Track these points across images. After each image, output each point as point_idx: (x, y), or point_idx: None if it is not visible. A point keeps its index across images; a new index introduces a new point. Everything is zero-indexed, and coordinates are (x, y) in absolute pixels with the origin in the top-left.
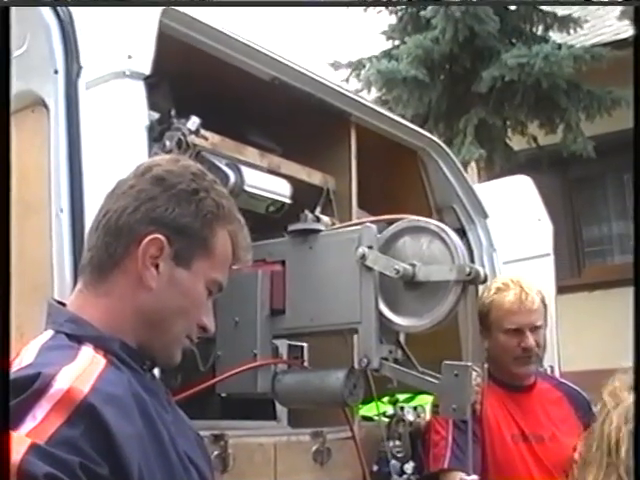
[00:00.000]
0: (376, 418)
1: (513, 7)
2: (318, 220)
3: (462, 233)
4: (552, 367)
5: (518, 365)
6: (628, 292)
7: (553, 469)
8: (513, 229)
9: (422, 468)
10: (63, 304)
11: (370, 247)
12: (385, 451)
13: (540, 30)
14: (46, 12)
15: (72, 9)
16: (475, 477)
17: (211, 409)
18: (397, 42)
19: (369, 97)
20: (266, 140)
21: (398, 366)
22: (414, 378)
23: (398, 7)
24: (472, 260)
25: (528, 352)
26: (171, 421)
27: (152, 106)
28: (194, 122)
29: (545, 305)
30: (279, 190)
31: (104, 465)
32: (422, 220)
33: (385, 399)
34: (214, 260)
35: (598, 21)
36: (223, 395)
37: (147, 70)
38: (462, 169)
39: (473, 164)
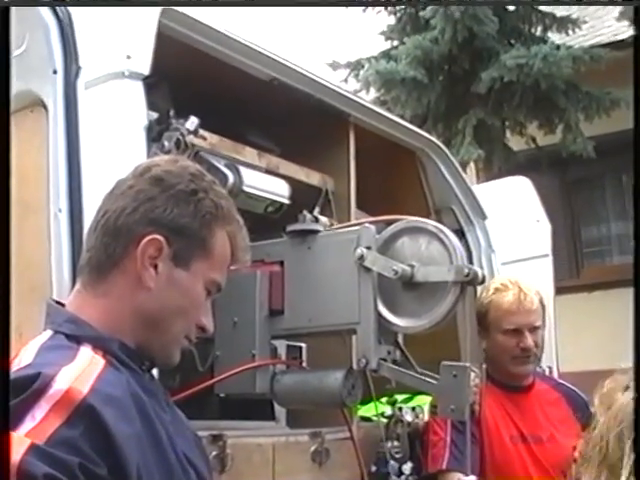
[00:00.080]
0: (374, 418)
1: (512, 8)
2: (317, 221)
3: (461, 234)
4: (550, 368)
5: (516, 365)
6: (627, 293)
7: (551, 470)
8: (512, 230)
9: (420, 469)
10: (62, 304)
11: (369, 248)
12: (383, 451)
13: (539, 31)
14: (45, 12)
15: (71, 9)
16: (473, 478)
17: (210, 409)
18: (396, 42)
19: (368, 97)
20: (265, 140)
21: (396, 367)
22: (412, 379)
23: (397, 7)
24: (470, 261)
25: (527, 352)
26: (170, 421)
27: (151, 106)
28: (193, 122)
29: (543, 305)
30: (277, 190)
31: (103, 465)
32: (420, 221)
33: (383, 399)
34: (213, 260)
35: (597, 22)
36: (222, 395)
37: (146, 70)
38: (461, 170)
39: (472, 165)
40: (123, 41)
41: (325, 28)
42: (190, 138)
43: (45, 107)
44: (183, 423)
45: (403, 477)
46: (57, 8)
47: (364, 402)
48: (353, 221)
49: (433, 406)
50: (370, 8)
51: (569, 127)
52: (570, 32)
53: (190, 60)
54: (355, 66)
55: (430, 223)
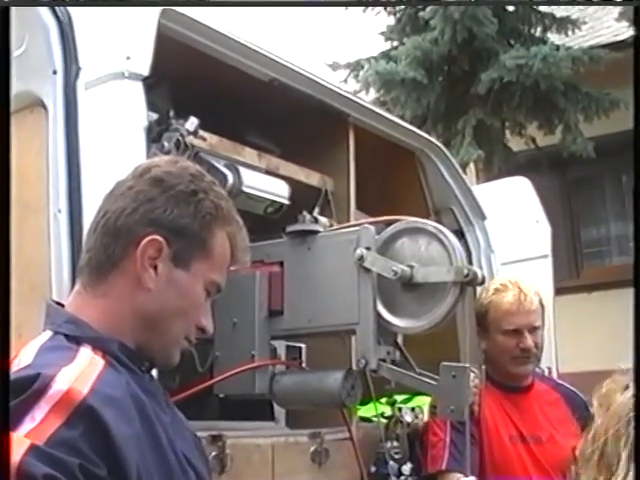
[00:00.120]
0: (374, 419)
1: (511, 8)
2: (316, 221)
3: (460, 234)
4: (550, 368)
5: (516, 365)
6: (626, 293)
7: (551, 470)
8: (511, 230)
9: (420, 469)
10: (61, 305)
11: (368, 248)
12: (383, 452)
13: (538, 31)
14: (45, 12)
15: (71, 10)
16: (473, 478)
17: (209, 410)
18: (395, 43)
19: (367, 98)
20: (264, 141)
21: (396, 367)
22: (412, 379)
23: (397, 8)
24: (470, 261)
25: (526, 352)
26: (169, 422)
27: (150, 107)
28: (192, 123)
29: (543, 306)
30: (277, 191)
31: (103, 466)
32: (420, 221)
33: (383, 400)
34: (212, 261)
35: (596, 23)
36: (221, 396)
37: (146, 71)
38: (460, 170)
39: (472, 165)
40: (123, 42)
41: (325, 29)
42: (190, 139)
43: (45, 107)
44: (183, 424)
45: (402, 478)
46: (57, 8)
47: (364, 403)
48: (353, 222)
49: (432, 407)
50: (370, 9)
51: (569, 128)
52: (570, 33)
53: (190, 60)
54: (355, 67)
55: (430, 224)
